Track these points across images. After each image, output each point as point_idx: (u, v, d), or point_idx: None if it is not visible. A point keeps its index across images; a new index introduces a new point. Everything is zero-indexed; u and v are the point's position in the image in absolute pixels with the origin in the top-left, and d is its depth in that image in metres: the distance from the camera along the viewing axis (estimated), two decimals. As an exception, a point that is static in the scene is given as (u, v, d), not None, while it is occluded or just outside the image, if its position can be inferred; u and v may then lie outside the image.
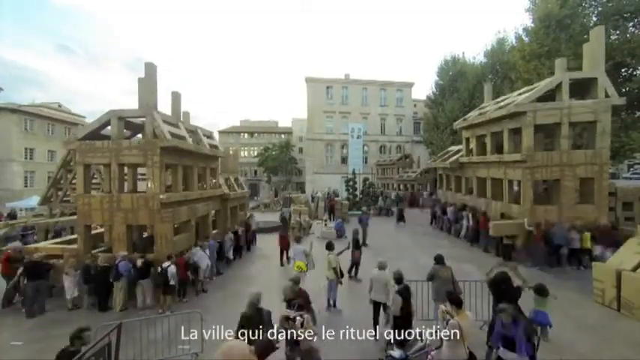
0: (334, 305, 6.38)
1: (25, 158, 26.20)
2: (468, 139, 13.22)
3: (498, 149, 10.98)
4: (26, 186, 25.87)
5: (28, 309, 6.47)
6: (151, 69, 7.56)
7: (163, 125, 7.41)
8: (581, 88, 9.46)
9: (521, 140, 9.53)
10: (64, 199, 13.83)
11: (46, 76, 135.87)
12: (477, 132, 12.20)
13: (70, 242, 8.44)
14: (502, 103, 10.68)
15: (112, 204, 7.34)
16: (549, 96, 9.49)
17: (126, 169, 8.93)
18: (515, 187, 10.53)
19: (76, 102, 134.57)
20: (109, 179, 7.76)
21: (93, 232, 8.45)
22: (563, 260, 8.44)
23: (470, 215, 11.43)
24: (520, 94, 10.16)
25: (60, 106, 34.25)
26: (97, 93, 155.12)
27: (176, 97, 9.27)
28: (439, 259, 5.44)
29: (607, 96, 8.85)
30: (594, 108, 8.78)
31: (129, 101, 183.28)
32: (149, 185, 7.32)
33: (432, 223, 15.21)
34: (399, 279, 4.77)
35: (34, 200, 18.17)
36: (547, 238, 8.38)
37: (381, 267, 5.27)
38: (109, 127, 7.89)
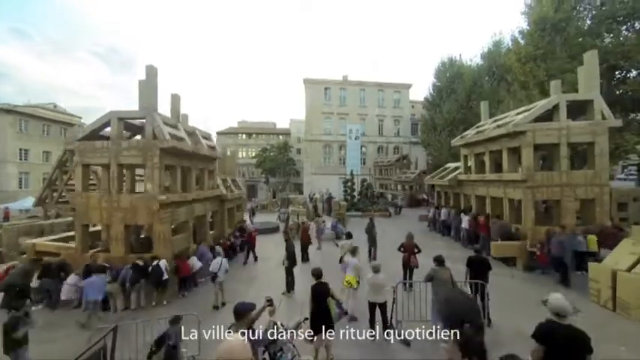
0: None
1: (20, 159, 25.93)
2: (466, 157, 13.25)
3: (497, 167, 10.94)
4: (21, 187, 25.58)
5: (49, 302, 6.77)
6: (151, 71, 7.64)
7: (163, 126, 7.44)
8: (579, 107, 9.46)
9: (519, 159, 9.45)
10: (59, 200, 13.70)
11: (5, 66, 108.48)
12: (475, 150, 12.19)
13: (67, 240, 8.38)
14: (500, 122, 10.72)
15: (111, 204, 7.35)
16: (547, 116, 9.48)
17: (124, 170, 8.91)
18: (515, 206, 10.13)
19: (48, 97, 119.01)
20: (107, 179, 7.76)
21: (90, 229, 8.39)
22: (569, 268, 7.90)
23: (468, 218, 11.31)
24: (518, 113, 10.23)
25: (55, 106, 34.01)
26: (69, 85, 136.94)
27: (175, 99, 9.34)
28: (439, 261, 5.40)
29: (604, 118, 8.85)
30: (592, 129, 8.77)
31: (107, 96, 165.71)
32: (148, 186, 7.31)
33: (429, 225, 15.25)
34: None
35: (28, 201, 17.97)
36: (552, 249, 7.88)
37: (376, 270, 5.32)
38: (108, 128, 7.90)
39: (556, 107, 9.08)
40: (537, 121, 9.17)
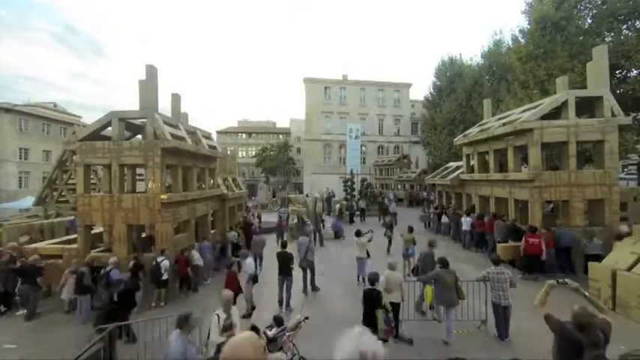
0: (363, 280, 7.15)
1: (20, 158, 25.90)
2: (468, 156, 12.98)
3: (500, 166, 10.71)
4: (20, 187, 25.57)
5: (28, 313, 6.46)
6: (151, 71, 7.70)
7: (164, 126, 7.50)
8: (587, 106, 9.19)
9: (524, 158, 9.14)
10: (60, 199, 13.70)
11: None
12: (479, 148, 11.89)
13: (69, 242, 8.38)
14: (505, 120, 10.42)
15: (113, 204, 7.39)
16: (551, 114, 9.17)
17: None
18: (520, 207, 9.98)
19: (21, 90, 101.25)
20: (109, 180, 7.80)
21: (92, 231, 8.43)
22: (576, 267, 7.95)
23: (470, 220, 10.92)
24: (523, 110, 9.85)
25: (55, 105, 33.98)
26: (30, 73, 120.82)
27: (176, 99, 9.39)
28: (443, 263, 5.20)
29: (613, 115, 8.57)
30: (601, 127, 8.49)
31: (77, 85, 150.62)
32: (150, 185, 7.33)
33: (426, 226, 15.18)
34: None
35: (28, 201, 17.97)
36: (555, 241, 8.02)
37: (392, 267, 5.22)
38: (109, 128, 7.97)
39: (564, 104, 8.80)
40: (541, 119, 8.88)
